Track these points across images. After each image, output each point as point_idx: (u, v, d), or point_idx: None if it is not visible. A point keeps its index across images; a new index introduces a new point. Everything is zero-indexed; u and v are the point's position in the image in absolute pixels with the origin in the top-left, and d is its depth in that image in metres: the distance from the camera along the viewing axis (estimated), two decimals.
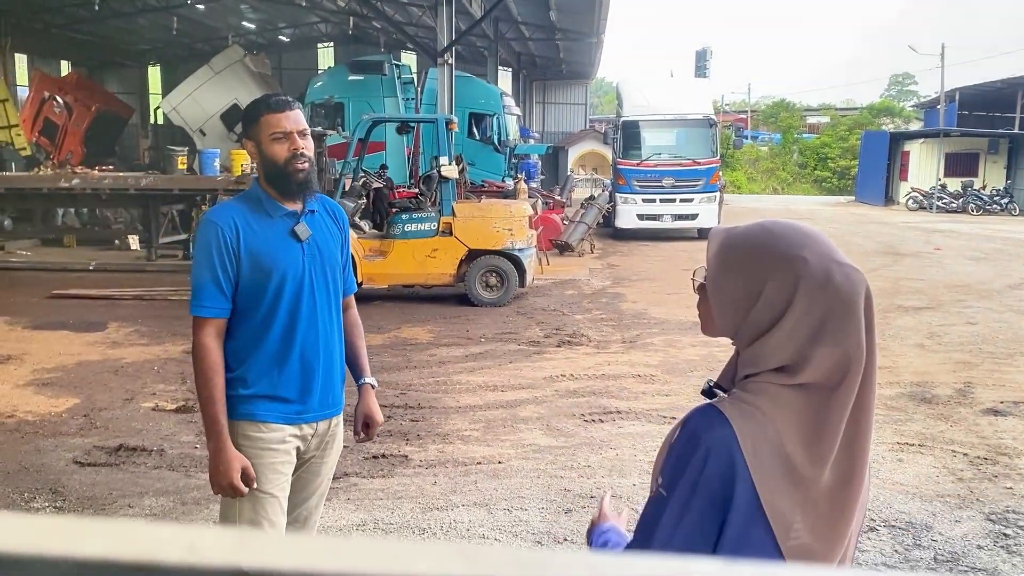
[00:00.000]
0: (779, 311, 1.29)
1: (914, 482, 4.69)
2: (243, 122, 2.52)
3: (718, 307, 1.37)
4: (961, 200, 28.79)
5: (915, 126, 45.66)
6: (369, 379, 2.69)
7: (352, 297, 2.74)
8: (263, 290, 2.41)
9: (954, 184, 29.61)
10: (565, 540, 3.93)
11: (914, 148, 32.43)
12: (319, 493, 2.65)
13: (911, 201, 30.16)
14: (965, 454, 5.14)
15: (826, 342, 1.27)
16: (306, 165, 2.43)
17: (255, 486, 2.40)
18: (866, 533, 4.04)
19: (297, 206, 2.48)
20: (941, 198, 28.87)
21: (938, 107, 35.75)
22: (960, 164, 30.58)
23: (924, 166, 31.19)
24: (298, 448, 2.50)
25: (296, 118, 2.43)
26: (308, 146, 2.45)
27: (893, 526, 4.12)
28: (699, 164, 18.14)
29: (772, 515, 1.26)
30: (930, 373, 7.08)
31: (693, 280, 1.46)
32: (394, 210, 10.49)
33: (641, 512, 1.35)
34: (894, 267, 14.05)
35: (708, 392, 1.38)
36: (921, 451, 5.20)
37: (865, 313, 1.29)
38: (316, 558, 0.38)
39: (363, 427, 2.67)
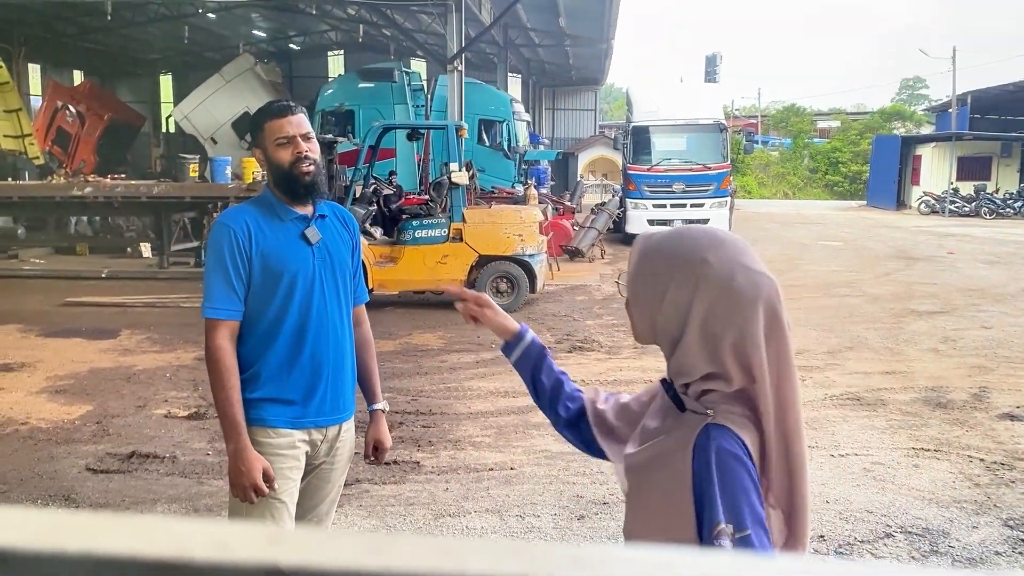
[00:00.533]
0: (684, 311, 1.33)
1: (930, 488, 4.64)
2: (250, 132, 2.56)
3: (634, 311, 1.42)
4: (974, 204, 28.61)
5: (926, 130, 45.44)
6: (380, 404, 2.70)
7: (364, 309, 2.73)
8: (273, 293, 2.42)
9: (967, 188, 29.43)
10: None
11: (926, 152, 32.27)
12: (330, 499, 2.64)
13: (923, 205, 30.00)
14: (982, 459, 5.09)
15: (727, 341, 1.30)
16: (311, 167, 2.44)
17: (275, 488, 2.39)
18: (883, 539, 4.01)
19: (308, 210, 2.50)
20: (954, 202, 28.70)
21: (950, 111, 35.61)
22: (973, 168, 30.40)
23: (936, 170, 31.03)
24: (307, 453, 2.50)
25: (298, 122, 2.45)
26: (312, 148, 2.46)
27: (910, 532, 4.08)
28: (710, 169, 18.09)
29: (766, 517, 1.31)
30: (945, 378, 7.02)
31: (618, 288, 1.52)
32: (404, 216, 10.50)
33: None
34: (907, 271, 13.97)
35: (670, 389, 1.41)
36: (937, 456, 5.15)
37: (773, 319, 1.31)
38: (358, 554, 0.37)
39: (373, 451, 2.68)
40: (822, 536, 4.04)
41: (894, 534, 4.07)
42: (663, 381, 1.45)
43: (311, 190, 2.47)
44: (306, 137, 2.45)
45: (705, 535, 1.28)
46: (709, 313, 1.31)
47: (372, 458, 2.70)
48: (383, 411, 2.71)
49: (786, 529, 1.36)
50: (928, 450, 5.25)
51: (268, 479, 2.37)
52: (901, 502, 4.44)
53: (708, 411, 1.33)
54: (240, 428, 2.36)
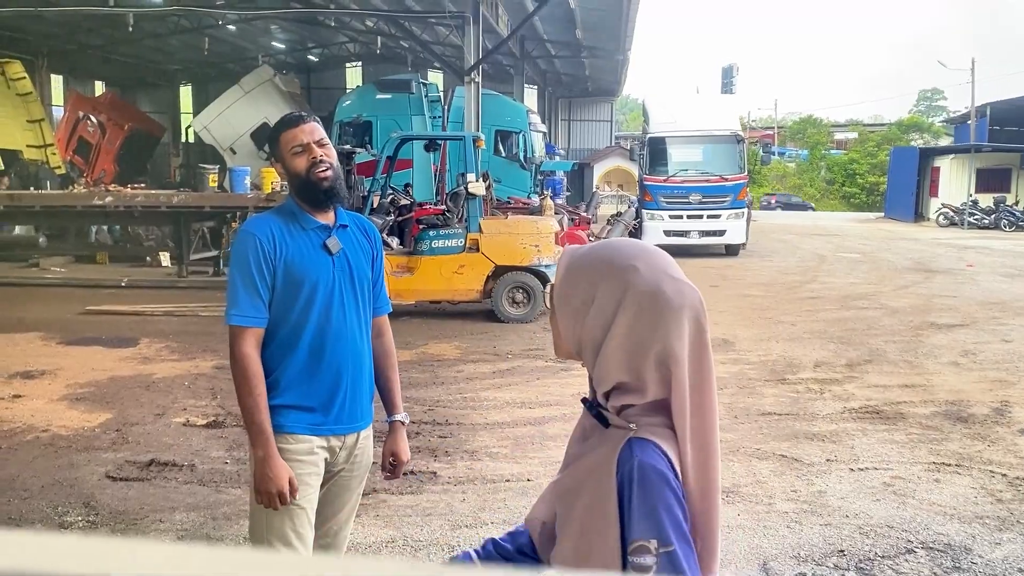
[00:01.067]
0: (609, 317, 1.32)
1: (952, 503, 4.59)
2: (268, 146, 2.62)
3: (561, 319, 1.40)
4: (993, 216, 28.38)
5: (944, 142, 45.19)
6: (400, 416, 2.69)
7: (386, 320, 2.73)
8: (294, 301, 2.44)
9: (986, 200, 29.20)
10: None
11: (944, 164, 32.07)
12: (349, 507, 2.64)
13: (942, 217, 29.79)
14: (1004, 474, 5.03)
15: (649, 352, 1.30)
16: (328, 172, 2.47)
17: (297, 497, 2.40)
18: (904, 555, 3.97)
19: (329, 219, 2.52)
20: (973, 214, 28.49)
21: (968, 122, 35.39)
22: (992, 180, 30.16)
23: (955, 182, 30.81)
24: (325, 460, 2.51)
25: (311, 129, 2.49)
26: (328, 153, 2.49)
27: (931, 548, 4.04)
28: (726, 180, 18.05)
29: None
30: (965, 392, 6.95)
31: (546, 301, 1.52)
32: (421, 226, 10.53)
33: None
34: (926, 284, 13.86)
35: (593, 407, 1.40)
36: (958, 471, 5.10)
37: (697, 330, 1.31)
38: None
39: (390, 464, 2.68)
40: (842, 551, 4.00)
41: (915, 550, 4.03)
42: (584, 400, 1.44)
43: (331, 194, 2.49)
44: (320, 143, 2.48)
45: (625, 553, 1.24)
46: (635, 320, 1.31)
47: (389, 472, 2.70)
48: (403, 423, 2.70)
49: (704, 552, 1.31)
50: (949, 465, 5.20)
51: (293, 487, 2.38)
52: (922, 517, 4.39)
53: (631, 425, 1.31)
54: (268, 435, 2.37)
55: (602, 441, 1.35)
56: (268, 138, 2.60)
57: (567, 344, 1.41)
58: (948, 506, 4.55)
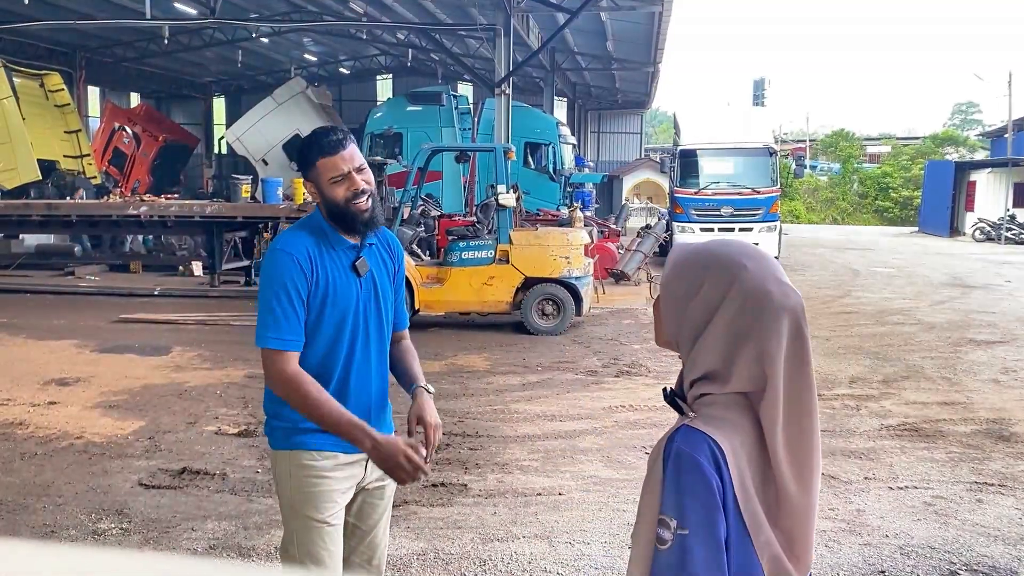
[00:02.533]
0: (713, 307, 1.39)
1: (995, 524, 4.47)
2: (299, 162, 2.46)
3: (664, 308, 1.48)
4: None
5: (980, 155, 44.52)
6: (423, 383, 2.53)
7: (406, 332, 2.67)
8: (323, 324, 2.38)
9: None
10: None
11: (981, 178, 31.54)
12: (385, 519, 2.62)
13: (978, 232, 29.27)
14: None
15: (747, 346, 1.36)
16: (368, 203, 2.39)
17: (316, 514, 2.36)
18: None
19: (357, 239, 2.46)
20: (1010, 229, 27.96)
21: (1005, 136, 34.82)
22: None
23: (992, 196, 30.27)
24: (355, 476, 2.47)
25: (351, 155, 2.38)
26: (368, 179, 2.40)
27: (975, 570, 3.92)
28: (759, 193, 17.89)
29: (748, 519, 1.33)
30: (1007, 410, 6.79)
31: (650, 290, 1.56)
32: (451, 238, 10.54)
33: (652, 563, 1.32)
34: (963, 299, 13.61)
35: (669, 397, 1.47)
36: (1002, 492, 4.96)
37: (797, 332, 1.36)
38: None
39: (416, 431, 2.42)
40: (883, 572, 3.90)
41: (959, 572, 3.92)
42: (664, 390, 1.50)
43: (369, 225, 2.42)
44: (359, 170, 2.39)
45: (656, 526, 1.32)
46: (737, 313, 1.37)
47: (419, 432, 2.40)
48: (428, 391, 2.51)
49: (788, 552, 1.37)
50: (992, 484, 5.07)
51: (415, 449, 2.28)
52: (965, 538, 4.28)
53: (690, 412, 1.39)
54: (360, 425, 2.28)
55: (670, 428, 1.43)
56: (300, 155, 2.43)
57: (667, 331, 1.49)
58: (992, 527, 4.43)
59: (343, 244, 2.44)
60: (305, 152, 2.42)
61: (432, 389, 2.54)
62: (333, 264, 2.40)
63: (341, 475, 2.43)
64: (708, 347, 1.39)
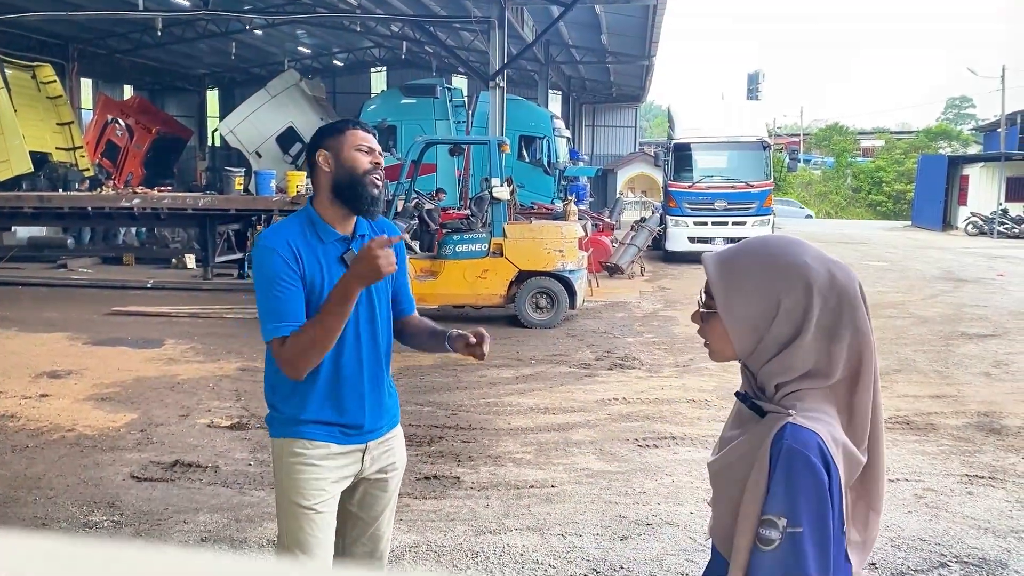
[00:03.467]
0: (799, 317, 1.38)
1: (986, 516, 4.49)
2: (321, 134, 2.47)
3: (735, 329, 1.43)
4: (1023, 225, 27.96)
5: (973, 150, 44.63)
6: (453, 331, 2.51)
7: (415, 314, 2.69)
8: (310, 313, 2.38)
9: (1016, 209, 28.77)
10: (621, 568, 3.83)
11: (974, 172, 31.64)
12: (388, 512, 2.62)
13: (970, 226, 29.38)
14: None
15: (843, 337, 1.38)
16: (380, 183, 2.44)
17: (304, 501, 2.37)
18: (937, 569, 3.88)
19: (348, 230, 2.46)
20: (1002, 223, 28.07)
21: (999, 130, 34.92)
22: (1022, 188, 29.73)
23: (984, 190, 30.39)
24: (348, 467, 2.47)
25: (375, 141, 2.49)
26: (382, 167, 2.47)
27: (966, 562, 3.94)
28: (752, 187, 17.91)
29: (846, 512, 1.38)
30: (998, 403, 6.82)
31: (700, 304, 1.54)
32: (444, 231, 10.53)
33: (755, 563, 1.33)
34: (956, 293, 13.65)
35: (746, 399, 1.46)
36: (992, 484, 4.98)
37: (866, 307, 1.42)
38: None
39: (476, 341, 2.43)
40: (873, 564, 3.91)
41: (949, 564, 3.94)
42: (737, 393, 1.49)
43: (374, 204, 2.43)
44: (380, 155, 2.49)
45: (758, 526, 1.32)
46: (823, 312, 1.37)
47: (474, 342, 2.42)
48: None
49: (874, 510, 1.45)
50: (983, 477, 5.09)
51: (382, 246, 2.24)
52: (956, 530, 4.29)
53: (789, 411, 1.37)
54: (336, 285, 2.27)
55: (758, 427, 1.41)
56: (327, 128, 2.48)
57: (742, 350, 1.44)
58: (982, 519, 4.45)
59: (332, 236, 2.43)
60: (336, 124, 2.49)
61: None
62: (320, 257, 2.40)
63: (332, 464, 2.43)
64: (803, 351, 1.38)
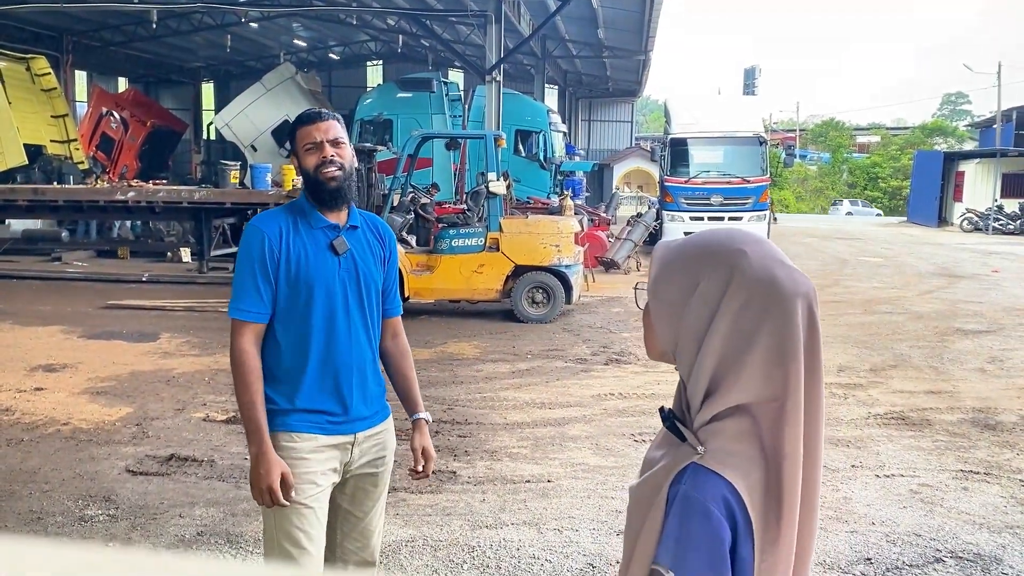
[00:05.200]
0: (714, 305, 1.20)
1: (981, 512, 4.50)
2: (288, 136, 2.56)
3: (656, 315, 1.28)
4: (1019, 221, 28.01)
5: (969, 146, 44.71)
6: (423, 414, 2.65)
7: (399, 322, 2.69)
8: (298, 301, 2.41)
9: (1011, 205, 28.84)
10: (618, 562, 3.83)
11: (969, 168, 31.71)
12: (378, 506, 2.62)
13: (966, 222, 29.45)
14: None
15: (757, 347, 1.18)
16: (337, 173, 2.42)
17: (293, 496, 2.37)
18: (932, 564, 3.89)
19: (340, 219, 2.48)
20: (998, 219, 28.14)
21: (994, 126, 34.96)
22: (1018, 185, 29.79)
23: (980, 186, 30.46)
24: (338, 459, 2.47)
25: (327, 128, 2.44)
26: (340, 153, 2.44)
27: (960, 558, 3.95)
28: (748, 182, 17.91)
29: (759, 572, 1.19)
30: (993, 399, 6.84)
31: (636, 298, 1.40)
32: (441, 225, 10.51)
33: None
34: (951, 289, 13.69)
35: (667, 418, 1.28)
36: (987, 480, 5.00)
37: (811, 321, 1.19)
38: None
39: (423, 460, 2.63)
40: (869, 559, 3.93)
41: (944, 559, 3.95)
42: (661, 409, 1.32)
43: (336, 195, 2.45)
44: (334, 143, 2.44)
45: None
46: (743, 308, 1.18)
47: (420, 470, 2.64)
48: (427, 421, 2.66)
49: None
50: (978, 473, 5.10)
51: (286, 485, 2.34)
52: (951, 526, 4.31)
53: (699, 448, 1.20)
54: (262, 432, 2.35)
55: (672, 455, 1.24)
56: (288, 133, 2.56)
57: (661, 342, 1.29)
58: (977, 515, 4.46)
59: (322, 223, 2.46)
60: (294, 123, 2.52)
61: (430, 418, 2.70)
62: (308, 241, 2.44)
63: (321, 457, 2.43)
64: (712, 352, 1.19)
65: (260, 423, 2.35)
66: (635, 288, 1.40)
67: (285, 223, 2.44)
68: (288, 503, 2.36)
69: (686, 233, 17.47)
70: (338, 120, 2.51)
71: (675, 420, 1.26)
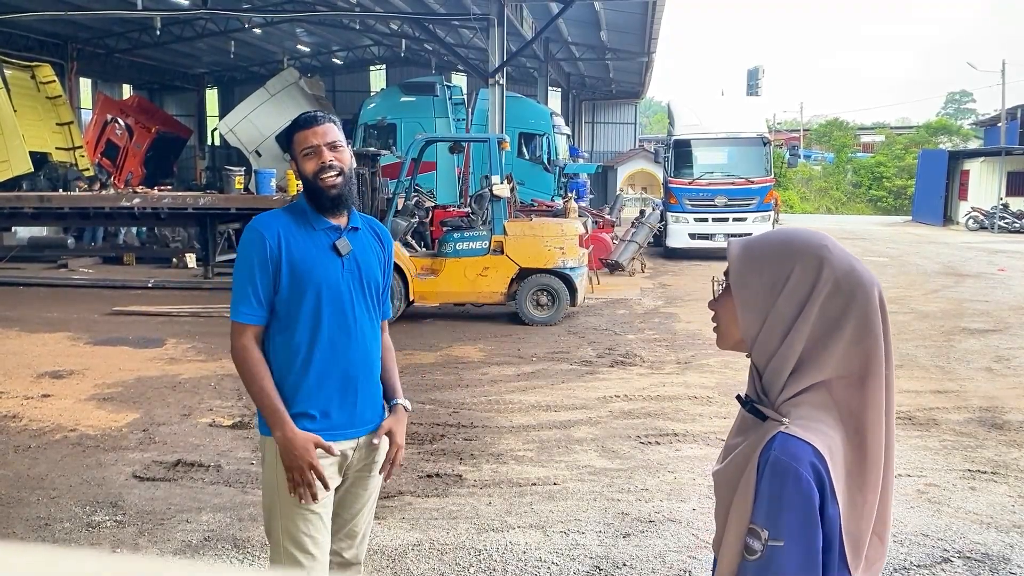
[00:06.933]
0: (804, 295, 1.33)
1: (988, 511, 4.49)
2: (286, 139, 2.54)
3: (743, 306, 1.39)
4: None
5: (973, 145, 44.59)
6: (402, 401, 2.60)
7: (385, 323, 2.67)
8: (301, 303, 2.40)
9: (1017, 203, 28.75)
10: (624, 565, 3.83)
11: (974, 167, 31.61)
12: (368, 507, 2.61)
13: (971, 221, 29.35)
14: None
15: (844, 330, 1.32)
16: (337, 178, 2.41)
17: (300, 501, 2.36)
18: (940, 564, 3.88)
19: (341, 220, 2.47)
20: (1003, 218, 28.05)
21: (999, 125, 34.89)
22: (1023, 183, 29.69)
23: (985, 185, 30.36)
24: (340, 464, 2.47)
25: (324, 131, 2.42)
26: (339, 157, 2.42)
27: (968, 557, 3.94)
28: (752, 183, 17.90)
29: (847, 531, 1.30)
30: (1000, 398, 6.82)
31: (714, 289, 1.49)
32: (445, 228, 10.52)
33: (740, 573, 1.31)
34: (957, 288, 13.65)
35: (746, 403, 1.42)
36: (994, 479, 4.99)
37: (883, 308, 1.35)
38: None
39: (389, 442, 2.53)
40: None
41: (952, 559, 3.94)
42: (738, 397, 1.45)
43: (336, 202, 2.43)
44: (332, 146, 2.41)
45: (745, 535, 1.30)
46: (830, 295, 1.33)
47: (383, 460, 2.53)
48: (405, 408, 2.60)
49: (880, 531, 1.38)
50: (985, 472, 5.09)
51: (324, 450, 2.35)
52: (958, 526, 4.30)
53: (783, 419, 1.32)
54: (283, 414, 2.35)
55: (756, 434, 1.37)
56: (285, 137, 2.54)
57: (744, 329, 1.40)
58: (984, 515, 4.45)
59: (323, 224, 2.46)
60: (292, 127, 2.49)
61: (410, 407, 2.63)
62: (309, 243, 2.42)
63: (327, 461, 2.42)
64: (801, 335, 1.33)
65: (277, 406, 2.35)
66: (714, 280, 1.50)
67: (285, 225, 2.43)
68: (329, 484, 2.37)
69: (691, 235, 17.68)
70: (335, 123, 2.48)
71: (753, 403, 1.40)
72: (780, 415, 1.33)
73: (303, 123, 2.44)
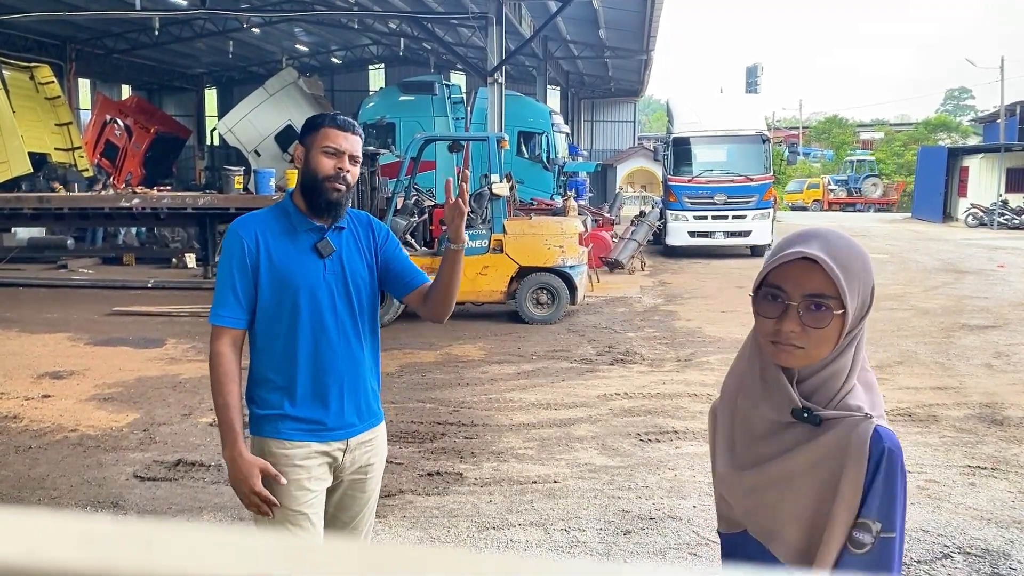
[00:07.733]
0: (868, 308, 1.40)
1: (988, 507, 4.50)
2: (303, 128, 2.49)
3: (851, 323, 1.36)
4: None
5: (973, 141, 44.60)
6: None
7: (425, 285, 2.67)
8: (283, 305, 2.39)
9: (1016, 200, 28.74)
10: (625, 560, 3.83)
11: (973, 163, 31.60)
12: (366, 511, 2.60)
13: (971, 218, 29.34)
14: None
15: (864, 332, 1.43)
16: (343, 188, 2.40)
17: (289, 503, 2.36)
18: (940, 560, 3.89)
19: (325, 221, 2.45)
20: (1003, 214, 28.03)
21: (998, 121, 34.89)
22: (1022, 179, 29.68)
23: (984, 182, 30.35)
24: (329, 465, 2.46)
25: (354, 142, 2.42)
26: (353, 173, 2.42)
27: (969, 553, 3.95)
28: (752, 180, 17.90)
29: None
30: (999, 394, 6.82)
31: (822, 304, 1.36)
32: (445, 228, 10.51)
33: (843, 567, 1.33)
34: (956, 285, 13.65)
35: (804, 411, 1.39)
36: (994, 475, 4.99)
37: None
38: None
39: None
40: None
41: (952, 555, 3.94)
42: (793, 411, 1.40)
43: (331, 208, 2.42)
44: (353, 160, 2.41)
45: (850, 531, 1.31)
46: (866, 307, 1.41)
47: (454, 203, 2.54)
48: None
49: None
50: (985, 468, 5.09)
51: (271, 474, 2.34)
52: (958, 522, 4.30)
53: (868, 414, 1.35)
54: (235, 435, 2.34)
55: (825, 435, 1.36)
56: (308, 123, 2.46)
57: (840, 347, 1.39)
58: (985, 510, 4.45)
59: (306, 225, 2.44)
60: (316, 118, 2.47)
61: (463, 246, 2.65)
62: (290, 245, 2.41)
63: (314, 463, 2.41)
64: (864, 334, 1.41)
65: (232, 424, 2.35)
66: (792, 305, 1.42)
67: (264, 226, 2.42)
68: (275, 510, 2.35)
69: (691, 232, 17.69)
70: (362, 139, 2.49)
71: (811, 411, 1.39)
72: (851, 409, 1.36)
73: (340, 123, 2.42)
